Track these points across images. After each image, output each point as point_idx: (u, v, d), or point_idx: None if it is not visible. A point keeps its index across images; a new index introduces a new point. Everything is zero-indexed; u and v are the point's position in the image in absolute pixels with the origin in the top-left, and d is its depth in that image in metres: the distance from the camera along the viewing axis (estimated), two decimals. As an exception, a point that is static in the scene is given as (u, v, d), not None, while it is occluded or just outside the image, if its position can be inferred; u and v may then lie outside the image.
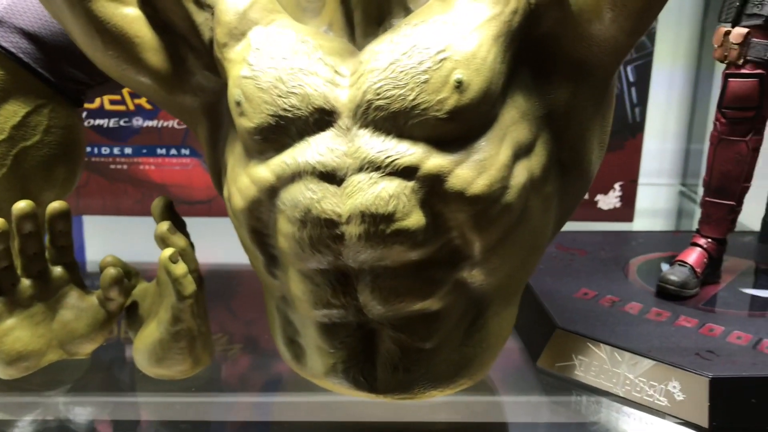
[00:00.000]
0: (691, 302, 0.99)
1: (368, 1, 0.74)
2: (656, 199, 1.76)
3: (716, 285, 1.05)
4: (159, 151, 1.47)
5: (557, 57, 0.74)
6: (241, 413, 0.90)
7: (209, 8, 0.78)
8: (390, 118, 0.69)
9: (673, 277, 1.00)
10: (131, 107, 1.45)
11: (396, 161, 0.69)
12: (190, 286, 0.82)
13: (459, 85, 0.68)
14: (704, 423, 0.80)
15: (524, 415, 0.91)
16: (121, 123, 1.46)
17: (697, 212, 1.67)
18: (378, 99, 0.69)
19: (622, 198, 1.52)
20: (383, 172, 0.69)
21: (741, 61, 0.94)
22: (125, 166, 1.47)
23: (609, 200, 1.52)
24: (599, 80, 0.77)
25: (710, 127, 1.67)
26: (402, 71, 0.69)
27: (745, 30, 0.92)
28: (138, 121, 1.46)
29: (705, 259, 1.03)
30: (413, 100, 0.68)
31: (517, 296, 0.83)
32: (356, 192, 0.69)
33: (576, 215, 1.51)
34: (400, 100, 0.68)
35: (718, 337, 0.89)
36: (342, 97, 0.70)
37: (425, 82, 0.68)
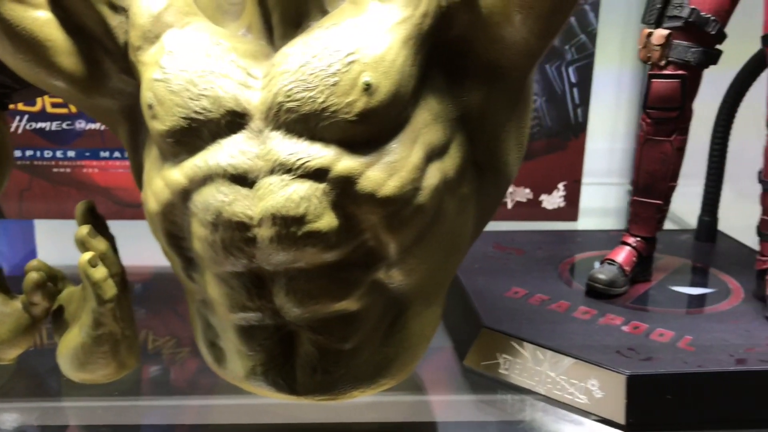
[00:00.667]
0: (619, 300, 1.01)
1: (285, 4, 0.74)
2: (604, 199, 1.78)
3: (647, 283, 1.07)
4: (102, 154, 1.46)
5: (470, 59, 0.75)
6: (171, 417, 0.90)
7: (123, 11, 0.77)
8: (301, 121, 0.69)
9: (601, 276, 1.01)
10: (74, 110, 1.44)
11: (307, 163, 0.69)
12: (110, 290, 0.81)
13: (368, 88, 0.68)
14: (621, 420, 0.81)
15: (452, 414, 0.92)
16: (64, 126, 1.45)
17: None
18: (288, 101, 0.69)
19: (566, 198, 1.53)
20: (294, 175, 0.69)
21: (663, 63, 0.95)
22: (69, 170, 1.46)
23: (553, 200, 1.54)
24: (513, 82, 0.77)
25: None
26: (312, 73, 0.69)
27: (667, 31, 0.94)
28: (80, 124, 1.44)
29: (634, 258, 1.04)
30: (323, 102, 0.68)
31: (439, 296, 0.84)
32: (267, 194, 0.69)
33: (521, 215, 1.55)
34: (310, 103, 0.68)
35: (641, 335, 0.91)
36: (254, 99, 0.70)
37: (334, 84, 0.68)
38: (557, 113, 1.49)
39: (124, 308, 0.85)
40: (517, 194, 1.53)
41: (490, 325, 0.92)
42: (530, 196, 1.53)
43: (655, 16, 0.95)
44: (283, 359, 0.78)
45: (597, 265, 1.06)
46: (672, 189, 1.03)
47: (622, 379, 0.81)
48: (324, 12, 0.75)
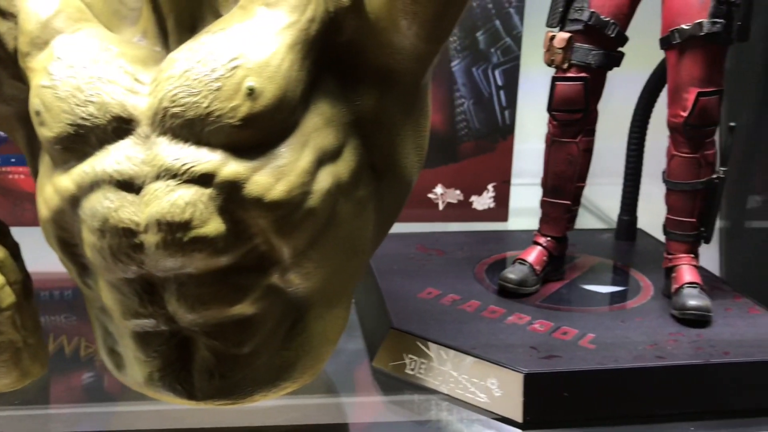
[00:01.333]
0: (529, 300, 1.02)
1: (179, 10, 0.74)
2: (534, 199, 1.79)
3: (560, 282, 1.08)
4: (28, 159, 1.44)
5: (361, 64, 0.75)
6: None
7: (12, 17, 0.77)
8: (186, 126, 0.69)
9: (511, 275, 1.02)
10: (-2, 115, 1.42)
11: (192, 168, 0.69)
12: (7, 297, 0.81)
13: (251, 93, 0.69)
14: (519, 418, 0.82)
15: (363, 414, 0.93)
16: (-12, 131, 1.43)
17: (585, 204, 1.72)
18: (174, 106, 0.69)
19: (495, 198, 1.55)
20: (180, 180, 0.69)
21: (566, 65, 0.97)
22: (-6, 176, 1.44)
23: (483, 201, 1.55)
24: (407, 87, 0.78)
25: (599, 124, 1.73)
26: (195, 79, 0.69)
27: (568, 35, 0.95)
28: (5, 130, 1.42)
29: (545, 257, 1.06)
30: (207, 107, 0.69)
31: (342, 298, 0.84)
32: (153, 200, 0.69)
33: (452, 216, 1.56)
34: (194, 108, 0.69)
35: (545, 333, 0.92)
36: (141, 105, 0.70)
37: (218, 89, 0.69)
38: (485, 116, 1.51)
39: (27, 316, 0.84)
40: (447, 196, 1.55)
41: (398, 326, 0.93)
42: (461, 198, 1.55)
43: (557, 19, 0.97)
44: (180, 364, 0.78)
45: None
46: (580, 189, 1.05)
47: (519, 377, 0.83)
48: (218, 16, 0.75)
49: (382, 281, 1.07)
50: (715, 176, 0.96)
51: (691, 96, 0.92)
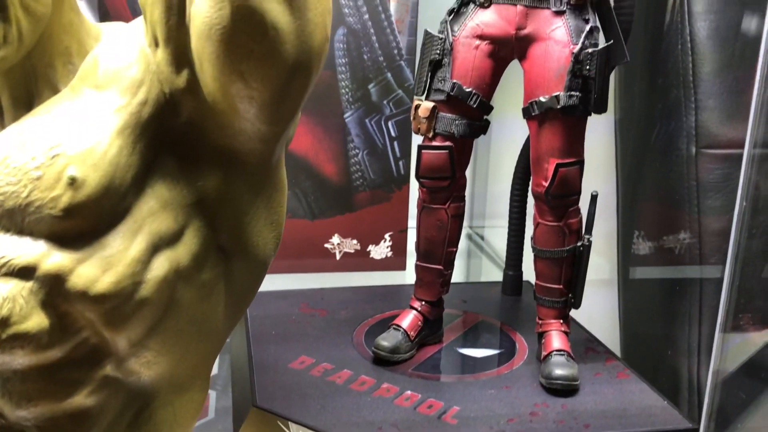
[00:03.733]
0: (402, 367, 1.01)
1: (14, 85, 0.72)
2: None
3: (437, 345, 1.08)
4: None
5: (202, 145, 0.73)
6: None
7: None
8: (7, 215, 0.66)
9: (384, 343, 1.01)
10: None
11: (11, 261, 0.66)
12: None
13: (73, 182, 0.66)
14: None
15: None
16: None
17: (487, 251, 1.73)
18: None
19: (392, 247, 1.54)
20: None
21: (431, 134, 0.96)
22: None
23: (380, 250, 1.54)
24: (254, 166, 0.76)
25: (492, 169, 1.74)
26: (15, 166, 0.66)
27: (432, 104, 0.95)
28: None
29: (420, 322, 1.05)
30: (27, 197, 0.66)
31: (195, 382, 0.81)
32: (-30, 297, 0.65)
33: (349, 266, 1.55)
34: (14, 198, 0.66)
35: (410, 408, 0.91)
36: None
37: (38, 178, 0.66)
38: (380, 166, 1.50)
39: None
40: (344, 245, 1.53)
41: (261, 403, 0.91)
42: (358, 247, 1.53)
43: (422, 88, 0.96)
44: None
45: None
46: (452, 254, 1.05)
47: (374, 460, 0.81)
48: (56, 92, 0.72)
49: (255, 350, 1.04)
50: (579, 244, 0.97)
51: (551, 167, 0.92)
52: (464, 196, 1.02)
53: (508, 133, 1.56)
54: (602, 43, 0.91)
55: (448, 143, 0.96)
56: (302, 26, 0.65)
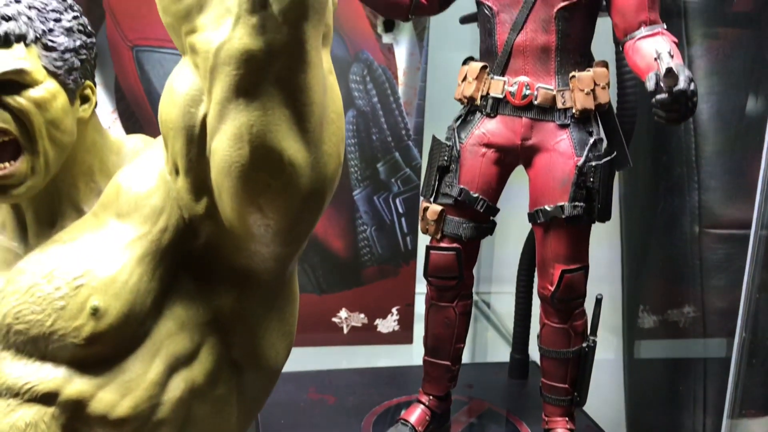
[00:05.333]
0: (409, 463, 1.02)
1: (38, 205, 0.74)
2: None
3: (444, 438, 1.09)
4: None
5: (219, 265, 0.76)
6: None
7: None
8: (30, 342, 0.69)
9: (392, 439, 1.02)
10: None
11: (34, 388, 0.68)
12: None
13: (95, 312, 0.68)
14: None
15: None
16: None
17: (493, 320, 1.75)
18: (17, 323, 0.68)
19: (399, 321, 1.56)
20: (21, 399, 0.68)
21: (439, 236, 0.99)
22: None
23: (388, 324, 1.56)
24: (268, 283, 0.79)
25: (498, 233, 1.75)
26: (40, 296, 0.69)
27: (440, 208, 0.98)
28: None
29: (427, 417, 1.06)
30: (51, 326, 0.68)
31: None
32: (-7, 422, 0.67)
33: (356, 339, 1.57)
34: (38, 326, 0.68)
35: None
36: None
37: (62, 308, 0.68)
38: (387, 241, 1.53)
39: None
40: (352, 319, 1.55)
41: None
42: (365, 321, 1.55)
43: (431, 192, 0.99)
44: None
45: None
46: (459, 350, 1.06)
47: None
48: (79, 211, 0.75)
49: (261, 443, 1.06)
50: (585, 345, 0.99)
51: (556, 272, 0.94)
52: (472, 294, 1.04)
53: (514, 198, 1.59)
54: (606, 154, 0.94)
55: (455, 245, 0.99)
56: (317, 159, 0.68)
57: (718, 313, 1.41)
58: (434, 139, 1.00)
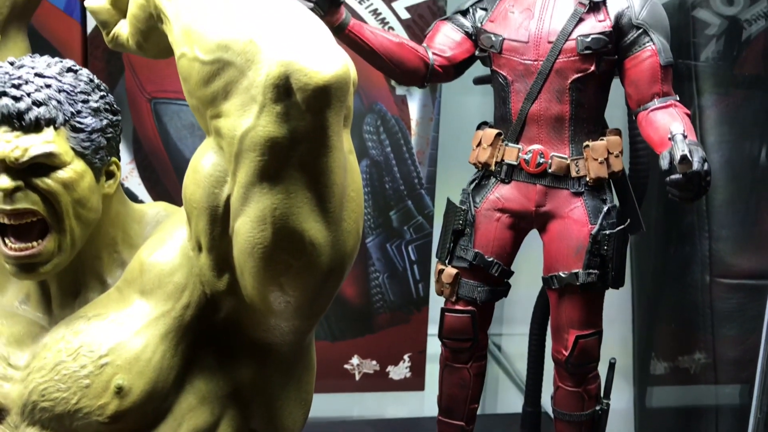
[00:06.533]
0: None
1: (63, 277, 0.75)
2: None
3: (456, 496, 1.09)
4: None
5: (239, 339, 0.77)
6: None
7: None
8: (55, 419, 0.70)
9: (406, 499, 1.03)
10: None
11: None
12: None
13: (119, 391, 0.70)
14: None
15: None
16: None
17: (504, 364, 1.75)
18: (43, 401, 0.70)
19: (411, 368, 1.57)
20: None
21: (454, 299, 1.00)
22: None
23: (400, 371, 1.57)
24: (286, 356, 0.80)
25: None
26: (66, 374, 0.70)
27: (455, 271, 0.99)
28: None
29: (442, 474, 1.07)
30: (76, 403, 0.69)
31: None
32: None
33: (368, 386, 1.57)
34: (63, 404, 0.70)
35: None
36: (12, 393, 0.71)
37: (87, 387, 0.70)
38: (399, 288, 1.54)
39: None
40: (364, 366, 1.56)
41: None
42: (377, 368, 1.56)
43: (446, 254, 1.00)
44: None
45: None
46: (474, 410, 1.07)
47: None
48: (102, 282, 0.77)
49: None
50: (598, 408, 1.00)
51: (570, 337, 0.95)
52: (486, 355, 1.05)
53: (526, 239, 1.60)
54: (620, 222, 0.95)
55: (470, 308, 1.00)
56: (337, 237, 0.70)
57: (730, 362, 1.41)
58: (449, 202, 1.01)
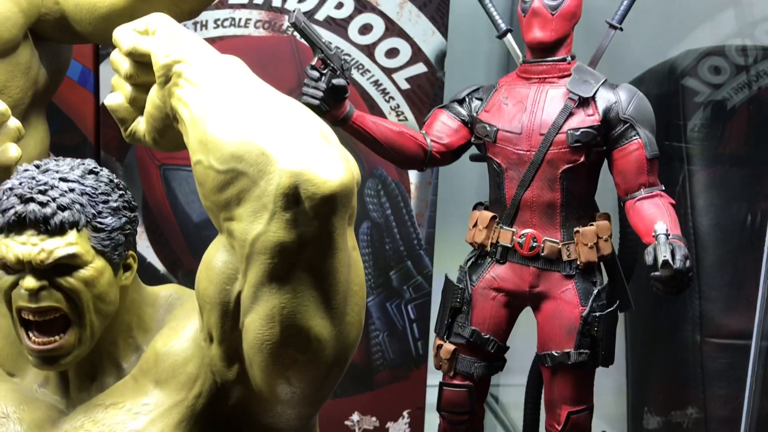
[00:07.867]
0: None
1: (80, 362, 0.79)
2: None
3: None
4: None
5: (247, 424, 0.80)
6: None
7: None
8: None
9: None
10: None
11: None
12: None
13: None
14: None
15: None
16: None
17: (502, 417, 1.77)
18: None
19: (410, 424, 1.60)
20: None
21: (452, 374, 1.04)
22: None
23: (399, 427, 1.60)
24: (293, 432, 0.84)
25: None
26: None
27: (453, 347, 1.03)
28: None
29: None
30: None
31: None
32: None
33: (369, 444, 1.60)
34: None
35: None
36: None
37: None
38: (399, 346, 1.57)
39: None
40: (364, 423, 1.59)
41: None
42: (377, 424, 1.59)
43: (444, 331, 1.04)
44: None
45: None
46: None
47: None
48: (118, 367, 0.80)
49: None
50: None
51: (563, 413, 0.99)
52: (483, 426, 1.09)
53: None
54: (609, 303, 0.99)
55: (467, 382, 1.04)
56: (341, 331, 0.73)
57: (721, 419, 1.44)
58: (447, 280, 1.06)
